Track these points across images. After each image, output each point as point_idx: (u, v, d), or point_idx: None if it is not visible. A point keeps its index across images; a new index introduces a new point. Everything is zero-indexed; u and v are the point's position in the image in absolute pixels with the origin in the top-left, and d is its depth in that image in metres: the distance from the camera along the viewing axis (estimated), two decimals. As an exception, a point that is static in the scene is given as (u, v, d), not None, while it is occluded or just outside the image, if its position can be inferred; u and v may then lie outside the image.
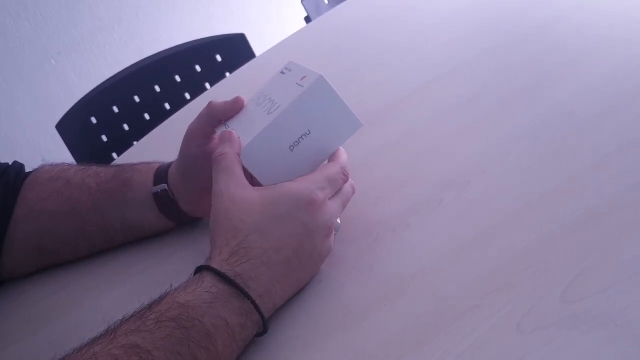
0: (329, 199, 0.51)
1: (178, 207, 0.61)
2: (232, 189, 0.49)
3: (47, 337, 0.59)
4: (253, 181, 0.53)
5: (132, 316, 0.45)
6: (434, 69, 0.80)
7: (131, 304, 0.58)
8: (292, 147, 0.52)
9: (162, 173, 0.62)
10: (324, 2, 1.47)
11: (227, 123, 0.58)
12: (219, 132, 0.57)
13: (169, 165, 0.62)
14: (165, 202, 0.61)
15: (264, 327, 0.47)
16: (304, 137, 0.52)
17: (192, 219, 0.64)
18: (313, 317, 0.48)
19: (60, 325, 0.60)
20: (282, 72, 0.58)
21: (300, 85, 0.52)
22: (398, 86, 0.79)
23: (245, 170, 0.52)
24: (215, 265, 0.47)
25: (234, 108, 0.57)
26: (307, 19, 1.42)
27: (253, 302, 0.45)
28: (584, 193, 0.50)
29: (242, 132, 0.53)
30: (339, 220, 0.53)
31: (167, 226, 0.64)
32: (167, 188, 0.61)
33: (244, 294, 0.45)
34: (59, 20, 1.84)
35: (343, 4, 1.22)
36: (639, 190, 0.48)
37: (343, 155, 0.54)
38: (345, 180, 0.53)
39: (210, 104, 0.57)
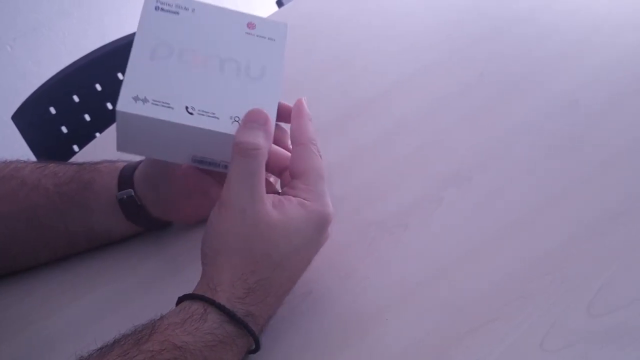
0: None
1: (147, 213, 0.55)
2: (258, 208, 0.40)
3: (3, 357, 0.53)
4: None
5: (113, 350, 0.38)
6: (421, 56, 0.75)
7: (99, 318, 0.53)
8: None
9: (127, 175, 0.55)
10: (297, -15, 1.41)
11: (188, 104, 0.41)
12: (189, 123, 0.41)
13: (135, 165, 0.56)
14: (131, 209, 0.55)
15: (256, 345, 0.42)
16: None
17: (164, 223, 0.58)
18: (306, 335, 0.43)
19: (18, 343, 0.53)
20: (162, 10, 0.44)
21: (265, 37, 0.43)
22: (384, 75, 0.73)
23: None
24: (223, 300, 0.40)
25: None
26: (279, 3, 1.36)
27: (255, 339, 0.41)
28: (599, 190, 0.46)
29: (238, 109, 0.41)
30: None
31: (135, 231, 0.58)
32: (132, 194, 0.54)
33: (250, 334, 0.40)
34: (15, 4, 1.74)
35: (317, -13, 1.16)
36: (661, 186, 0.44)
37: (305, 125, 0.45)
38: None
39: None
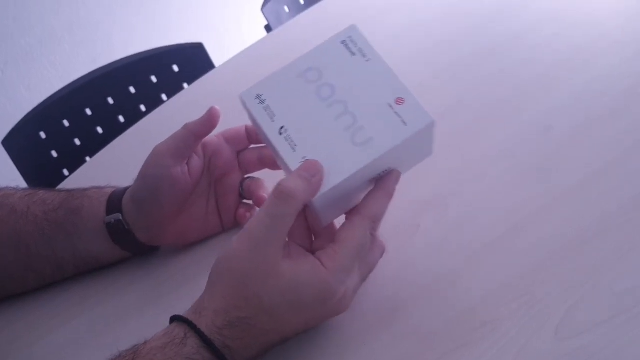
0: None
1: (134, 237, 0.56)
2: (268, 251, 0.40)
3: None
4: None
5: None
6: (402, 82, 0.77)
7: (84, 343, 0.54)
8: (366, 183, 0.44)
9: (115, 200, 0.56)
10: (285, 11, 1.43)
11: (285, 125, 0.43)
12: (273, 140, 0.43)
13: (124, 191, 0.57)
14: (119, 233, 0.56)
15: None
16: (381, 173, 0.44)
17: (150, 248, 0.59)
18: (283, 358, 0.44)
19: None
20: (346, 45, 0.45)
21: (400, 118, 0.41)
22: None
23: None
24: (203, 327, 0.41)
25: (211, 122, 0.52)
26: (268, 28, 1.38)
27: None
28: (569, 216, 0.47)
29: (315, 155, 0.42)
30: None
31: (122, 256, 0.59)
32: (120, 218, 0.55)
33: None
34: (6, 28, 1.75)
35: (304, 13, 1.19)
36: (629, 211, 0.46)
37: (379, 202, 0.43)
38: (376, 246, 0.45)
39: (185, 126, 0.52)
